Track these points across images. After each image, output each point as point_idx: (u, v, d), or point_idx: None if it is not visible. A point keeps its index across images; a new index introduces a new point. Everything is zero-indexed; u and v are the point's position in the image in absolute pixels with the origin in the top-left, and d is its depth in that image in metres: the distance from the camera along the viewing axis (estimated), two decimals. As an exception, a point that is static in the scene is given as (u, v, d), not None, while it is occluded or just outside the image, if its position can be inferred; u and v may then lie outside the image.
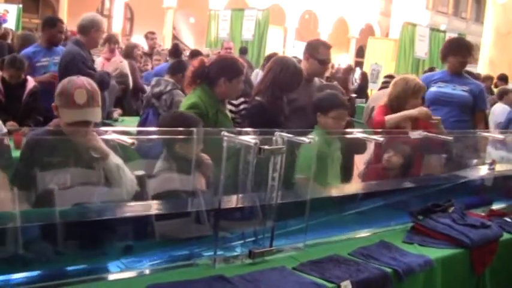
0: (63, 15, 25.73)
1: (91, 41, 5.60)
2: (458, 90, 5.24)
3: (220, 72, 3.93)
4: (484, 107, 5.50)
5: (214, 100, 3.96)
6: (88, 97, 2.93)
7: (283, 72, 4.33)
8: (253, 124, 3.82)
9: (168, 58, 9.50)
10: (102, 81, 5.40)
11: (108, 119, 6.59)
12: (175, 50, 9.40)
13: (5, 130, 2.68)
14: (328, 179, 3.61)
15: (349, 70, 11.71)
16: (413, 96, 4.56)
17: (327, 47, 4.96)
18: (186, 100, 4.04)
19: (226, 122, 4.00)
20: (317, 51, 4.84)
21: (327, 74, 9.72)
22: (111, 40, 7.63)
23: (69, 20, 25.22)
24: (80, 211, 2.74)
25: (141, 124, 5.80)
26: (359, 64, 28.50)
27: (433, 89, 5.43)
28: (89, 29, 5.52)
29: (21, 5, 18.75)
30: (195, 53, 9.22)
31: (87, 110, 2.93)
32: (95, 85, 3.04)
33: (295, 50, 24.90)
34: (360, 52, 35.47)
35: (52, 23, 6.32)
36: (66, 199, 2.73)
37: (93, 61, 5.92)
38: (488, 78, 13.95)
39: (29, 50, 6.33)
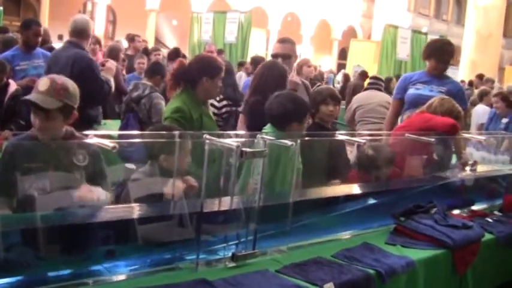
0: (44, 18, 25.59)
1: (86, 45, 5.58)
2: (435, 92, 5.20)
3: (202, 71, 3.95)
4: (462, 105, 5.28)
5: (198, 103, 3.97)
6: (50, 87, 2.93)
7: (271, 76, 4.50)
8: (254, 120, 4.00)
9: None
10: (110, 88, 5.61)
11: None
12: (175, 53, 9.44)
13: None
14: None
15: (365, 76, 11.67)
16: (457, 120, 4.60)
17: (282, 40, 5.04)
18: (170, 104, 4.03)
19: (211, 125, 4.02)
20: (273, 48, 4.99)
21: (311, 75, 9.72)
22: (90, 41, 7.59)
23: (51, 23, 25.11)
24: (60, 216, 2.72)
25: (122, 129, 5.79)
26: (342, 66, 28.63)
27: (411, 91, 5.42)
28: (86, 32, 5.49)
29: (1, 7, 18.54)
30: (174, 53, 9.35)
31: (44, 96, 2.91)
32: (69, 84, 3.01)
33: (278, 53, 24.88)
34: (343, 54, 35.63)
35: (27, 25, 6.21)
36: (47, 204, 2.71)
37: None
38: (489, 81, 14.14)
39: (8, 53, 6.21)
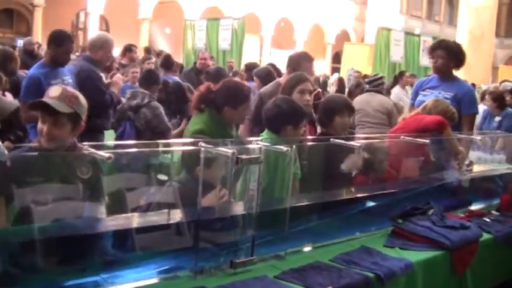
0: (37, 29, 25.61)
1: (101, 59, 5.78)
2: (441, 98, 5.15)
3: (226, 101, 3.85)
4: (469, 110, 5.27)
5: (221, 124, 3.88)
6: (62, 94, 2.93)
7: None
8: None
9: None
10: (112, 100, 5.76)
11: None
12: (167, 61, 9.45)
13: (5, 151, 2.61)
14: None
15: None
16: (449, 122, 4.59)
17: (310, 60, 4.97)
18: (192, 125, 3.95)
19: None
20: (299, 65, 4.87)
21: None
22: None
23: (44, 34, 25.09)
24: (58, 227, 2.71)
25: (118, 137, 5.78)
26: (336, 70, 28.67)
27: (420, 97, 5.38)
28: (97, 47, 5.71)
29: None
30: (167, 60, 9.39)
31: (56, 100, 2.90)
32: (79, 94, 3.02)
33: (271, 58, 24.97)
34: (336, 58, 35.66)
35: (59, 42, 5.60)
36: (47, 215, 2.70)
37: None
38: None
39: (35, 72, 5.58)
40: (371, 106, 7.06)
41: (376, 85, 7.55)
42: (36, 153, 2.89)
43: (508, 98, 10.08)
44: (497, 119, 8.85)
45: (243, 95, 3.92)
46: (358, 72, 15.52)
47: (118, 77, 6.38)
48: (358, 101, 7.48)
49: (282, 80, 5.03)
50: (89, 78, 5.57)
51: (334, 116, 4.19)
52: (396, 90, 10.81)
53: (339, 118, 4.18)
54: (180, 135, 6.54)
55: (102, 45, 5.76)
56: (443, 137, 4.49)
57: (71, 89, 3.05)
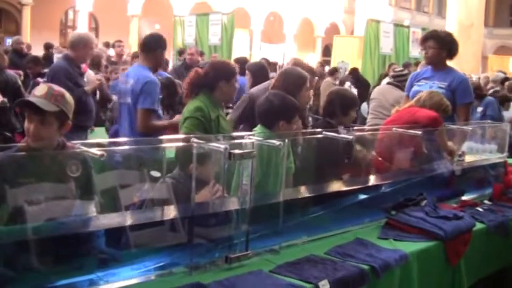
0: (26, 28, 25.51)
1: (79, 56, 5.80)
2: (436, 88, 5.13)
3: (219, 76, 4.17)
4: (464, 100, 5.26)
5: (215, 105, 4.19)
6: (48, 92, 2.91)
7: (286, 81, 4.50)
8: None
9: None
10: (79, 99, 5.48)
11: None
12: None
13: None
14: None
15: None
16: (443, 114, 4.62)
17: (311, 71, 5.03)
18: (189, 105, 4.20)
19: (227, 126, 4.25)
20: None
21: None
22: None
23: (33, 32, 25.00)
24: (52, 226, 2.70)
25: (113, 135, 5.75)
26: (326, 63, 28.68)
27: (414, 88, 5.38)
28: (77, 45, 5.75)
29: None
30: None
31: (41, 99, 2.88)
32: (65, 92, 3.00)
33: (261, 52, 24.97)
34: (326, 51, 35.70)
35: (164, 46, 5.16)
36: (38, 215, 2.69)
37: (81, 75, 5.97)
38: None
39: (154, 78, 5.01)
40: (386, 99, 7.06)
41: (399, 80, 7.51)
42: (26, 153, 2.88)
43: (498, 88, 10.14)
44: (480, 109, 8.93)
45: (232, 69, 4.31)
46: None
47: (90, 74, 6.39)
48: (376, 90, 7.53)
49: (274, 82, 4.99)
50: (55, 75, 5.66)
51: (350, 110, 4.49)
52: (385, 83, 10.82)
53: (353, 112, 4.50)
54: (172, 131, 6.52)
55: (79, 43, 5.79)
56: (435, 129, 4.50)
57: (57, 87, 3.02)
